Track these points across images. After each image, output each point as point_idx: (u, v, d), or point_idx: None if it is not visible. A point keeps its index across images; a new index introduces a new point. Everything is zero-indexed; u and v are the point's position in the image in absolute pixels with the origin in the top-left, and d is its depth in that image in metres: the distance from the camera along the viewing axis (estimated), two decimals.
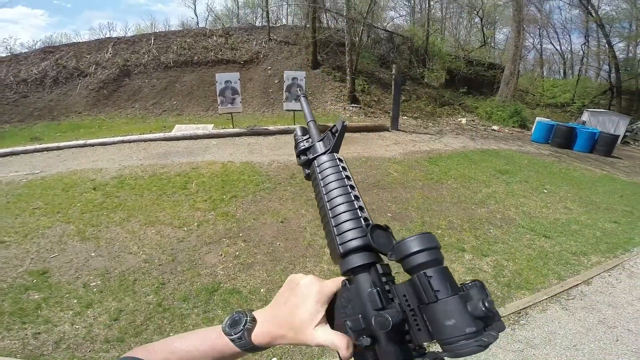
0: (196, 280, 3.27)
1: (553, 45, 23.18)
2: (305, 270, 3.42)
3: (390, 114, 10.97)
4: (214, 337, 0.50)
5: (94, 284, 3.22)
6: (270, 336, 0.47)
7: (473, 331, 0.35)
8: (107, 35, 20.91)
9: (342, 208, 0.48)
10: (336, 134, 0.60)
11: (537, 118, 12.75)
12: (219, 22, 24.33)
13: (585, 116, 14.13)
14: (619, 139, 11.78)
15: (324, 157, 0.59)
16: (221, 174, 5.70)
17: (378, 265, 0.44)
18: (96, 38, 19.55)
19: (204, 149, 7.50)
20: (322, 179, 0.55)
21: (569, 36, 22.85)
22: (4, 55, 18.79)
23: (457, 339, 0.35)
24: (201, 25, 23.35)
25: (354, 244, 0.45)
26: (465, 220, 4.48)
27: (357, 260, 0.44)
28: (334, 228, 0.47)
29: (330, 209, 0.49)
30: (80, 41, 19.56)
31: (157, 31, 20.39)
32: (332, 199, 0.50)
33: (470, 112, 15.38)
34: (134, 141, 8.66)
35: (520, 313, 3.03)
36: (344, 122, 0.60)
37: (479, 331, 0.35)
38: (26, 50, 19.25)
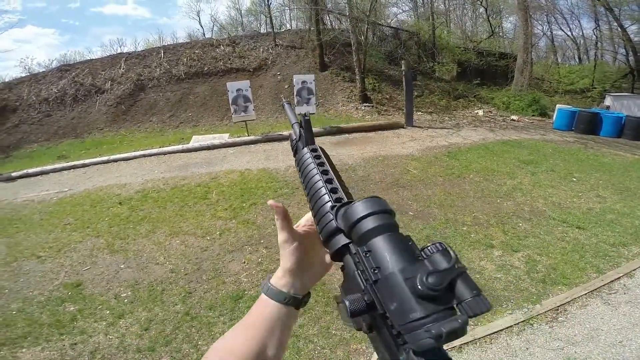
0: (221, 288, 3.29)
1: (564, 31, 22.30)
2: (329, 274, 3.35)
3: (404, 111, 10.81)
4: (260, 308, 0.51)
5: (124, 295, 3.31)
6: (282, 272, 0.52)
7: (417, 317, 0.29)
8: (118, 51, 21.53)
9: (316, 196, 0.48)
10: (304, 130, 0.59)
11: (557, 105, 12.28)
12: (225, 32, 24.72)
13: (608, 101, 13.51)
14: None
15: (298, 154, 0.60)
16: (240, 182, 5.75)
17: (351, 246, 0.41)
18: (108, 54, 20.20)
19: (221, 159, 7.62)
20: (300, 174, 0.56)
21: (579, 21, 21.91)
22: (23, 75, 19.73)
23: (407, 327, 0.30)
24: (207, 35, 23.79)
25: (327, 228, 0.44)
26: (492, 215, 4.33)
27: (334, 244, 0.43)
28: (316, 218, 0.47)
29: (310, 199, 0.50)
30: (94, 58, 20.17)
31: (166, 44, 20.93)
32: (308, 189, 0.51)
33: (487, 104, 14.99)
34: (154, 155, 8.92)
35: (558, 310, 2.89)
36: (305, 116, 0.61)
37: (428, 316, 0.29)
38: (43, 70, 20.05)
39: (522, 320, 2.76)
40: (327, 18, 19.32)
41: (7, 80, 19.48)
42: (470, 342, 2.59)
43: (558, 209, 4.54)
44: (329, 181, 0.49)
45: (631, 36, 18.82)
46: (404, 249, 0.35)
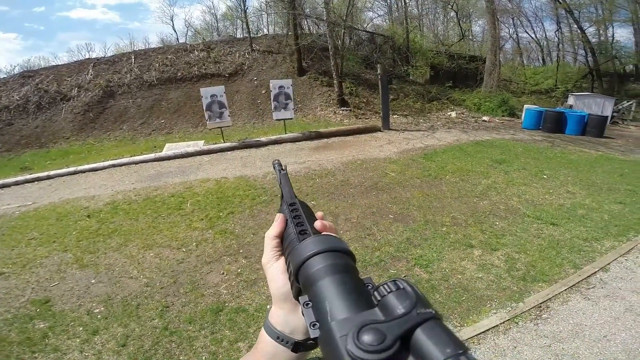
0: (200, 301, 3.15)
1: (528, 33, 23.66)
2: None
3: (381, 114, 10.94)
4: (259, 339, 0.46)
5: (97, 310, 3.14)
6: (275, 307, 0.45)
7: None
8: (87, 57, 20.62)
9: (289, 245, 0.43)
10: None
11: (525, 106, 12.86)
12: (199, 37, 24.24)
13: (571, 100, 14.29)
14: (608, 120, 11.86)
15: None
16: (216, 191, 5.58)
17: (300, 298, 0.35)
18: (75, 60, 19.32)
19: (196, 167, 7.40)
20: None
21: (542, 24, 23.34)
22: None
23: None
24: (181, 40, 23.23)
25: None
26: (469, 215, 4.40)
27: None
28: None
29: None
30: (60, 64, 19.14)
31: (137, 49, 20.22)
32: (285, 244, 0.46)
33: (459, 105, 15.47)
34: (124, 164, 8.54)
35: (541, 307, 2.94)
36: (282, 170, 0.59)
37: None
38: (4, 76, 18.91)
39: (507, 319, 2.79)
40: (305, 23, 19.39)
41: None
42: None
43: (532, 207, 4.69)
44: (299, 224, 0.43)
45: (589, 38, 20.11)
46: (351, 292, 0.27)
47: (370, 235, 3.90)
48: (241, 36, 21.02)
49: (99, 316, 3.05)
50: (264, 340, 0.44)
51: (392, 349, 0.21)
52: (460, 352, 0.20)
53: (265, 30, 23.30)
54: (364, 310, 0.25)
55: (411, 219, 4.29)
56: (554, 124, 10.73)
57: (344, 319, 0.24)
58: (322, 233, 0.38)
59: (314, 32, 18.90)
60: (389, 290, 0.25)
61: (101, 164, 8.79)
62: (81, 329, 2.91)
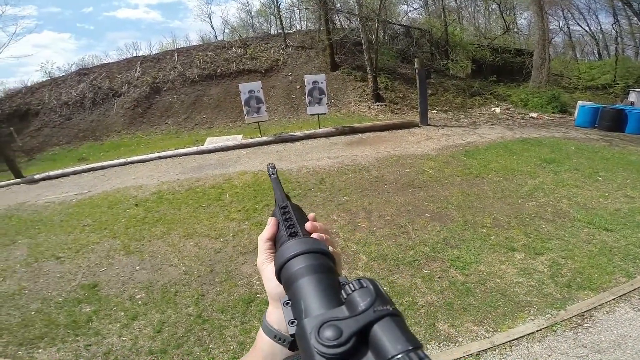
0: (233, 291, 3.27)
1: (581, 26, 21.43)
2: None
3: (418, 109, 10.61)
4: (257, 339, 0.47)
5: (139, 296, 3.33)
6: (272, 306, 0.46)
7: None
8: (134, 55, 21.91)
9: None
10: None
11: (578, 102, 11.83)
12: (236, 34, 24.88)
13: (632, 97, 12.91)
14: None
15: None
16: (253, 184, 5.75)
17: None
18: (124, 58, 20.63)
19: (235, 160, 7.66)
20: None
21: (596, 16, 21.00)
22: (44, 79, 20.33)
23: None
24: (219, 37, 24.01)
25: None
26: (513, 217, 4.16)
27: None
28: None
29: None
30: (111, 62, 20.63)
31: (179, 47, 21.23)
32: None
33: (504, 101, 14.59)
34: (169, 157, 9.08)
35: (584, 315, 2.74)
36: (272, 174, 0.61)
37: None
38: (63, 74, 20.57)
39: (545, 326, 2.63)
40: (337, 17, 19.23)
41: (29, 84, 20.20)
42: (489, 349, 2.48)
43: (583, 210, 4.33)
44: (290, 226, 0.43)
45: None
46: (324, 291, 0.28)
47: (405, 234, 3.83)
48: (275, 32, 21.31)
49: (139, 302, 3.24)
50: (262, 339, 0.44)
51: (347, 344, 0.23)
52: (411, 348, 0.21)
53: (298, 26, 23.40)
54: (334, 307, 0.26)
55: (449, 218, 4.14)
56: (613, 121, 9.77)
57: (314, 317, 0.26)
58: (312, 235, 0.39)
59: (346, 26, 18.66)
60: (353, 288, 0.26)
61: (149, 156, 9.40)
62: (122, 314, 3.10)
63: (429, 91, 12.94)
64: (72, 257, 4.18)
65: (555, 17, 20.32)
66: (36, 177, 9.58)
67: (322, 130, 9.61)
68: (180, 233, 4.40)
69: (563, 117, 12.31)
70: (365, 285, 0.26)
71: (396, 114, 12.96)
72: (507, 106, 13.87)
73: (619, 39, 20.07)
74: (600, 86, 17.19)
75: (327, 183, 5.40)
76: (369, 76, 14.05)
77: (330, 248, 0.40)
